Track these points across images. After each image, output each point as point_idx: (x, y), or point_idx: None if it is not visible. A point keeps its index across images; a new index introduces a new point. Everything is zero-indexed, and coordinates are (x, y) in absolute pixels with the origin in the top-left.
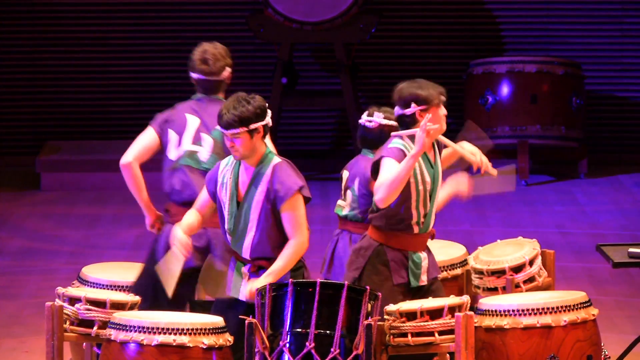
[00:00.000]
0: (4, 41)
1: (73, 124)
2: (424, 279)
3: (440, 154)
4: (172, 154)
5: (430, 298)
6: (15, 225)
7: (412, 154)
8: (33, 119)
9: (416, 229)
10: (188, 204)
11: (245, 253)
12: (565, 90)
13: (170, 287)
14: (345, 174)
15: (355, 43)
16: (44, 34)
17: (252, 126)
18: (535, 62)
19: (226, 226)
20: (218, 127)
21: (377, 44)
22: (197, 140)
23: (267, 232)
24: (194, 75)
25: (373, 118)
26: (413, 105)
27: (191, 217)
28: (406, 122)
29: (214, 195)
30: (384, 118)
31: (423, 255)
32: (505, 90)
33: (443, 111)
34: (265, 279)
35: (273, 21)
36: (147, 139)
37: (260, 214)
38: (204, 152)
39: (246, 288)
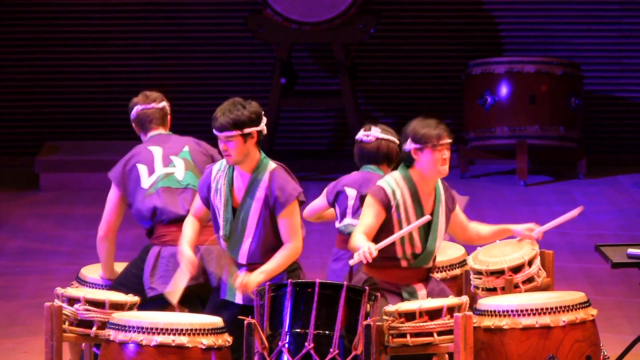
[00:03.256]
0: (4, 41)
1: (72, 124)
2: None
3: (450, 203)
4: (146, 183)
5: (429, 298)
6: (14, 225)
7: (358, 251)
8: (32, 119)
9: (404, 263)
10: (174, 221)
11: (242, 259)
12: (564, 90)
13: (174, 299)
14: (351, 192)
15: (354, 43)
16: (43, 34)
17: (246, 130)
18: (534, 63)
19: (221, 232)
20: (185, 148)
21: (376, 44)
22: (168, 163)
23: (265, 238)
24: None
25: (370, 132)
26: (409, 142)
27: (190, 228)
28: (406, 157)
29: (206, 201)
30: (381, 132)
31: (418, 286)
32: (504, 90)
33: (443, 154)
34: (258, 276)
35: (272, 21)
36: (114, 201)
37: (258, 221)
38: (179, 171)
39: (239, 279)
